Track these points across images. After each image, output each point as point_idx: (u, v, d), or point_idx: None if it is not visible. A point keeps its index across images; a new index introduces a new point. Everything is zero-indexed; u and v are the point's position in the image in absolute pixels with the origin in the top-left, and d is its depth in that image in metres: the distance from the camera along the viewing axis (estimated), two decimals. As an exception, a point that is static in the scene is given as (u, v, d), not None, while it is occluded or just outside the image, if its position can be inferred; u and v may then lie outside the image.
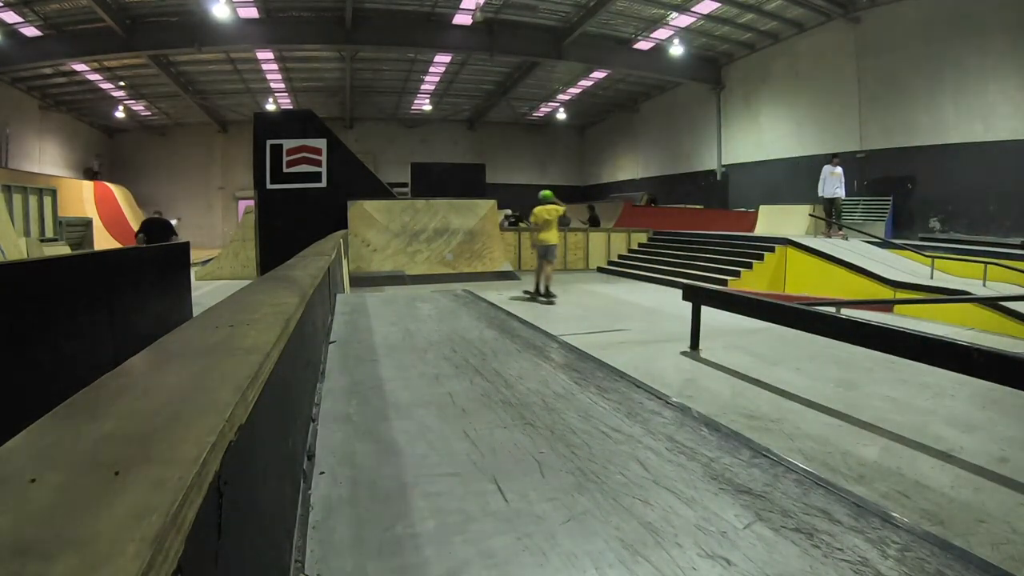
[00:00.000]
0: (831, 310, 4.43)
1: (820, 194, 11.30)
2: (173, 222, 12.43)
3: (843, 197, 11.52)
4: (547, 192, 8.14)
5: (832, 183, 11.13)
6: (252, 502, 0.84)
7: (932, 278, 8.56)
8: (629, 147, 24.30)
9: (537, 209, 7.97)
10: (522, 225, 14.24)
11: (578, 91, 21.96)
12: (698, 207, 18.26)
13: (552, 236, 7.97)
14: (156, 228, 10.49)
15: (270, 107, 20.83)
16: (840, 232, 11.38)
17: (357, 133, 23.52)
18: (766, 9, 14.68)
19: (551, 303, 7.71)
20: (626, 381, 2.27)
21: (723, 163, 18.95)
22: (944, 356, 2.56)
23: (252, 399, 0.86)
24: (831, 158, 11.42)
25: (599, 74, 19.99)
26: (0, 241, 9.00)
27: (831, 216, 11.50)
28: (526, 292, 8.37)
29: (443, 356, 2.73)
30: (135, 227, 17.81)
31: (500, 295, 7.90)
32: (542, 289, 8.00)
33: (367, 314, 4.04)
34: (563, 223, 9.63)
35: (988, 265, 8.36)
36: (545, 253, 7.99)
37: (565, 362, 2.64)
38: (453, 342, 3.05)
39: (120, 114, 20.46)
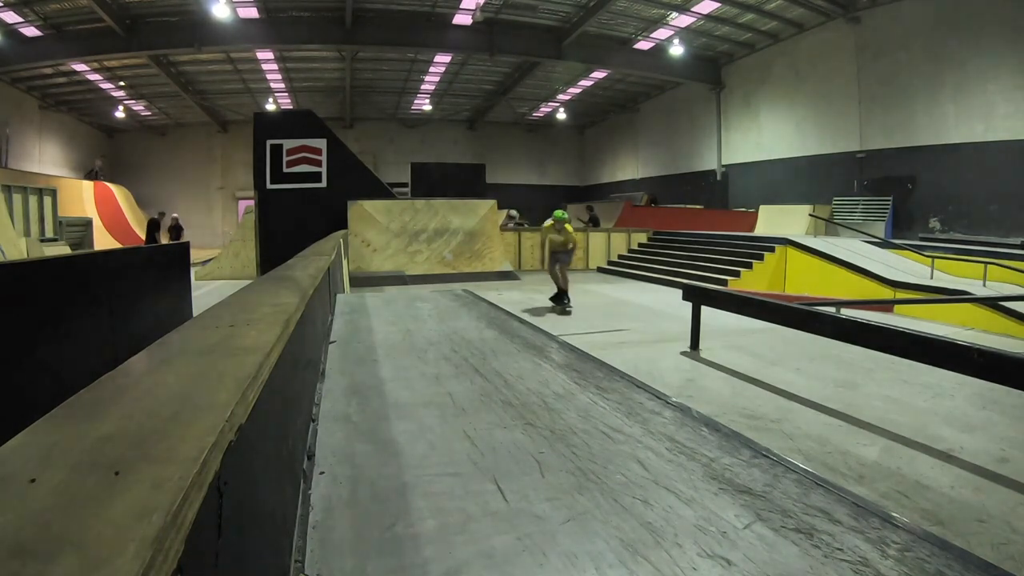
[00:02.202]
0: (831, 310, 4.43)
1: None
2: (176, 215, 15.43)
3: None
4: (559, 213, 7.67)
5: None
6: (252, 502, 0.84)
7: (932, 278, 8.57)
8: (629, 147, 24.30)
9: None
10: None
11: (578, 91, 21.95)
12: (698, 207, 18.27)
13: (555, 248, 7.70)
14: (150, 228, 12.84)
15: (270, 107, 20.82)
16: None
17: (357, 133, 23.51)
18: (766, 9, 14.68)
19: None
20: (626, 381, 2.27)
21: (723, 163, 18.95)
22: (944, 356, 2.56)
23: (252, 399, 0.86)
24: None
25: (599, 74, 19.99)
26: (0, 241, 8.99)
27: None
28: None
29: (443, 356, 2.73)
30: (136, 228, 17.91)
31: (500, 295, 7.90)
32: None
33: (367, 314, 4.04)
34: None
35: (988, 265, 8.37)
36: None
37: (565, 362, 2.64)
38: (453, 342, 3.04)
39: (120, 114, 20.46)
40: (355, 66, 18.60)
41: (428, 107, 23.32)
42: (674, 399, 2.04)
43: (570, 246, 7.64)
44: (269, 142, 11.01)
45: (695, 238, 12.97)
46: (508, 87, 21.13)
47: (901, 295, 8.09)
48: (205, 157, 23.57)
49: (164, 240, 13.80)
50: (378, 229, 11.20)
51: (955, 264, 9.03)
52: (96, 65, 16.80)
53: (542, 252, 7.85)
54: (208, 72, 18.72)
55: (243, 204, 20.74)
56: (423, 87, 21.36)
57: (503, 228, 13.37)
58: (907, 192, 12.99)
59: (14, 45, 14.40)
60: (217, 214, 23.71)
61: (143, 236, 15.21)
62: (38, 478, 0.55)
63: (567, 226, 7.62)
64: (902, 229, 12.78)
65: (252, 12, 14.58)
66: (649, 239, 14.13)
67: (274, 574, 0.92)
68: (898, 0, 12.72)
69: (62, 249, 11.87)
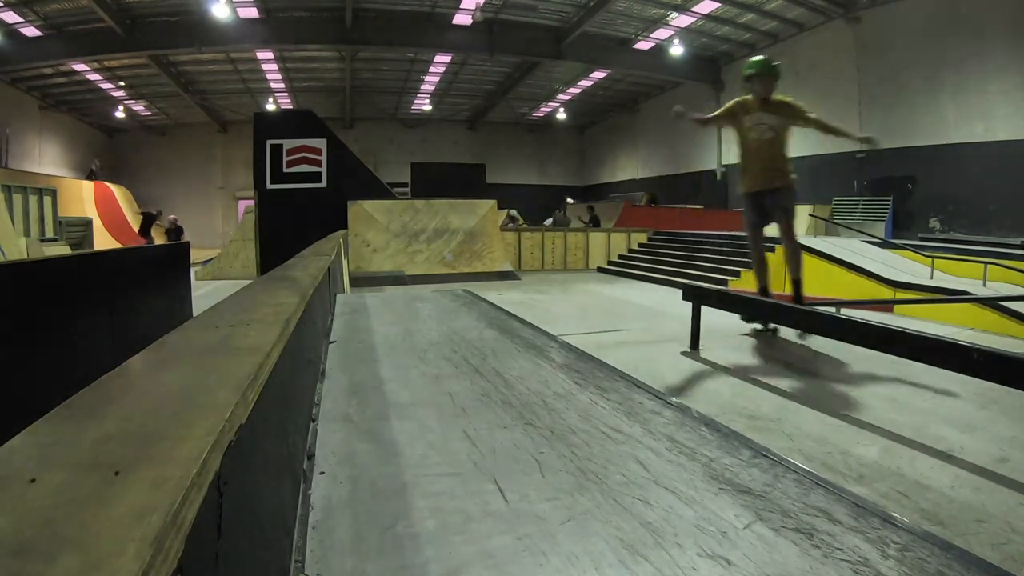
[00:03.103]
0: (831, 310, 4.44)
1: None
2: (174, 216, 16.06)
3: None
4: (756, 60, 4.09)
5: None
6: (252, 502, 0.84)
7: (932, 278, 8.57)
8: (629, 147, 24.31)
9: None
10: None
11: (578, 91, 21.95)
12: (698, 207, 18.25)
13: (756, 173, 3.88)
14: (145, 222, 13.89)
15: (270, 107, 20.84)
16: None
17: (357, 133, 23.51)
18: (766, 9, 14.69)
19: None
20: (626, 381, 2.27)
21: (723, 163, 18.95)
22: (944, 356, 2.56)
23: (252, 399, 0.86)
24: None
25: (599, 74, 19.99)
26: (0, 241, 8.99)
27: None
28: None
29: (443, 356, 2.73)
30: (136, 228, 17.93)
31: (500, 295, 7.90)
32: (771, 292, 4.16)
33: (367, 314, 4.04)
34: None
35: (988, 265, 8.37)
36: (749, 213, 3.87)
37: (565, 362, 2.63)
38: (453, 342, 3.04)
39: (120, 114, 20.47)
40: (355, 66, 18.61)
41: (428, 107, 23.32)
42: (674, 399, 2.04)
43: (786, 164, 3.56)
44: (269, 142, 11.01)
45: (695, 238, 12.95)
46: (508, 87, 21.14)
47: (901, 295, 8.08)
48: (205, 157, 23.59)
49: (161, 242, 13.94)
50: (378, 229, 11.20)
51: (955, 264, 9.02)
52: (96, 65, 16.81)
53: (749, 166, 3.94)
54: (208, 72, 18.73)
55: (243, 204, 20.73)
56: (423, 87, 21.37)
57: (503, 228, 13.36)
58: (907, 192, 13.00)
59: (14, 45, 14.41)
60: (217, 214, 23.73)
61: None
62: (38, 478, 0.55)
63: (782, 96, 3.83)
64: (902, 229, 12.79)
65: (252, 12, 14.58)
66: (649, 239, 14.12)
67: (274, 574, 0.92)
68: (898, 0, 12.72)
69: (62, 249, 11.87)
